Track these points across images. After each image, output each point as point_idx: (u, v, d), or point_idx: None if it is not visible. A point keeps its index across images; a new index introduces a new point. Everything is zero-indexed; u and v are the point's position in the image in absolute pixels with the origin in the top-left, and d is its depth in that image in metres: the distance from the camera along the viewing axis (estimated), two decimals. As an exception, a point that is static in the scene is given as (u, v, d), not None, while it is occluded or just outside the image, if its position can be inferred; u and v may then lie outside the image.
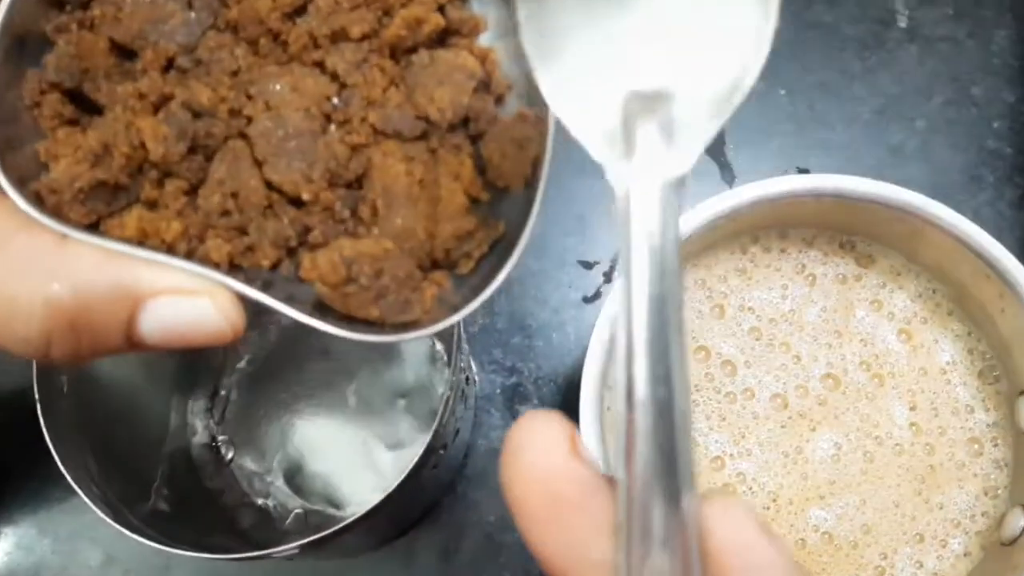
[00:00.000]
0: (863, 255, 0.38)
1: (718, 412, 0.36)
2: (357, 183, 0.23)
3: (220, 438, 0.42)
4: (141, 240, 0.21)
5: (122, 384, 0.36)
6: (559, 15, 0.19)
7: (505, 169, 0.23)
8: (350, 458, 0.40)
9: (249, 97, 0.23)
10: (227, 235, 0.22)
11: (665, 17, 0.18)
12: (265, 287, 0.22)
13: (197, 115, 0.22)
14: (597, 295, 0.44)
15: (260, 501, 0.41)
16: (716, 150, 0.46)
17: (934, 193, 0.34)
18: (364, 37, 0.23)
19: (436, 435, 0.29)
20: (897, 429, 0.36)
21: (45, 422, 0.30)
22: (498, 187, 0.23)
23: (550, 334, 0.44)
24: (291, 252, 0.22)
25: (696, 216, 0.34)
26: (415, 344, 0.42)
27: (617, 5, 0.18)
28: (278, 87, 0.23)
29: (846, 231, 0.38)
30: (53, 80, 0.22)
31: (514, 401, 0.43)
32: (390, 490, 0.28)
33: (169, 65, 0.23)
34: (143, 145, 0.22)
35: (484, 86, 0.23)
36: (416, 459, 0.28)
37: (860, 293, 0.38)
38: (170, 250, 0.21)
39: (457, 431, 0.34)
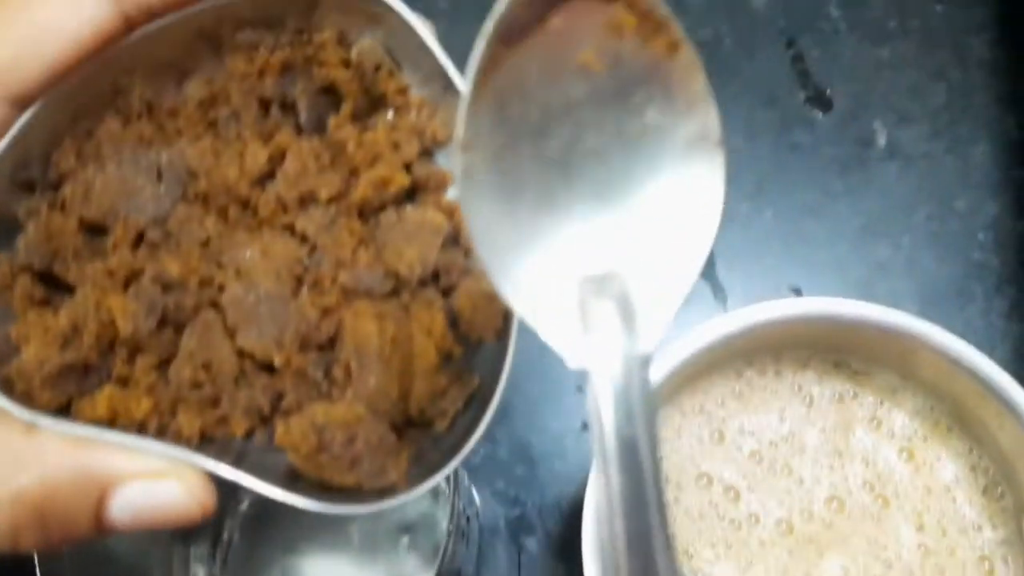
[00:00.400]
0: (859, 374, 0.38)
1: (724, 540, 0.36)
2: (329, 345, 0.23)
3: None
4: (112, 419, 0.21)
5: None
6: (505, 200, 0.19)
7: (477, 322, 0.23)
8: (354, 599, 0.40)
9: (220, 266, 0.23)
10: (198, 408, 0.22)
11: (611, 205, 0.19)
12: (238, 458, 0.22)
13: (168, 288, 0.23)
14: (597, 421, 0.45)
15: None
16: (708, 271, 0.47)
17: (924, 306, 0.35)
18: (332, 199, 0.23)
19: (442, 570, 0.29)
20: (906, 551, 0.36)
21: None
22: (471, 340, 0.23)
23: (552, 462, 0.44)
24: (264, 420, 0.22)
25: (690, 343, 0.35)
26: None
27: (563, 200, 0.19)
28: (248, 254, 0.23)
29: (840, 351, 0.38)
30: (23, 263, 0.22)
31: (519, 533, 0.42)
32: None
33: (140, 239, 0.23)
34: (113, 323, 0.22)
35: (453, 240, 0.23)
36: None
37: (858, 412, 0.38)
38: (141, 428, 0.21)
39: (458, 571, 0.34)
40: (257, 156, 0.24)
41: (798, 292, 0.47)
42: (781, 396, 0.38)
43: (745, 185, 0.49)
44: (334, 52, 0.24)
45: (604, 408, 0.16)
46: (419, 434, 0.23)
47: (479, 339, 0.23)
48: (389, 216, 0.24)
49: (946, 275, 0.47)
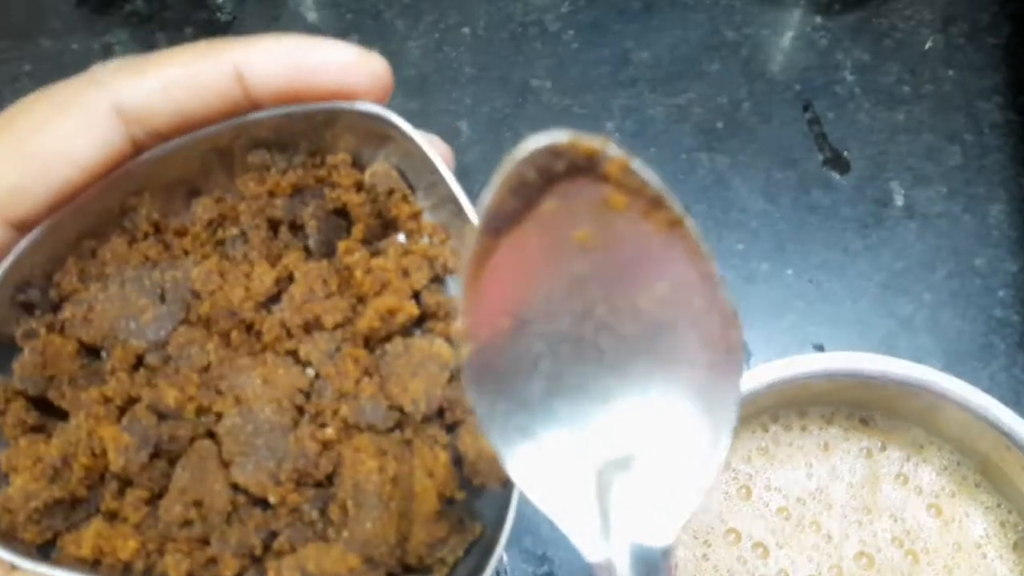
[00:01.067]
0: (884, 430, 0.39)
1: (753, 597, 0.36)
2: (328, 481, 0.22)
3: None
4: (97, 559, 0.21)
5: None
6: (514, 386, 0.17)
7: (481, 467, 0.22)
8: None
9: (219, 392, 0.22)
10: (188, 547, 0.21)
11: (628, 384, 0.18)
12: None
13: (163, 417, 0.22)
14: (624, 478, 0.45)
15: None
16: (731, 330, 0.48)
17: (948, 362, 0.35)
18: (338, 326, 0.23)
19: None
20: (938, 608, 0.36)
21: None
22: (474, 484, 0.22)
23: (579, 519, 0.44)
24: (255, 560, 0.21)
25: (716, 400, 0.35)
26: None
27: (576, 380, 0.18)
28: (249, 380, 0.22)
29: (864, 407, 0.38)
30: (18, 388, 0.22)
31: (547, 591, 0.42)
32: None
33: (138, 363, 0.22)
34: (104, 454, 0.21)
35: (459, 374, 0.22)
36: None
37: (885, 467, 0.38)
38: (126, 569, 0.21)
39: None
40: (264, 278, 0.23)
41: (821, 349, 0.47)
42: (807, 452, 0.38)
43: (765, 245, 0.50)
44: (347, 174, 0.24)
45: None
46: None
47: (483, 484, 0.22)
48: (396, 346, 0.23)
49: (968, 331, 0.47)
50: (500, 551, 0.21)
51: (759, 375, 0.36)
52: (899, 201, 0.51)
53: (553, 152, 0.16)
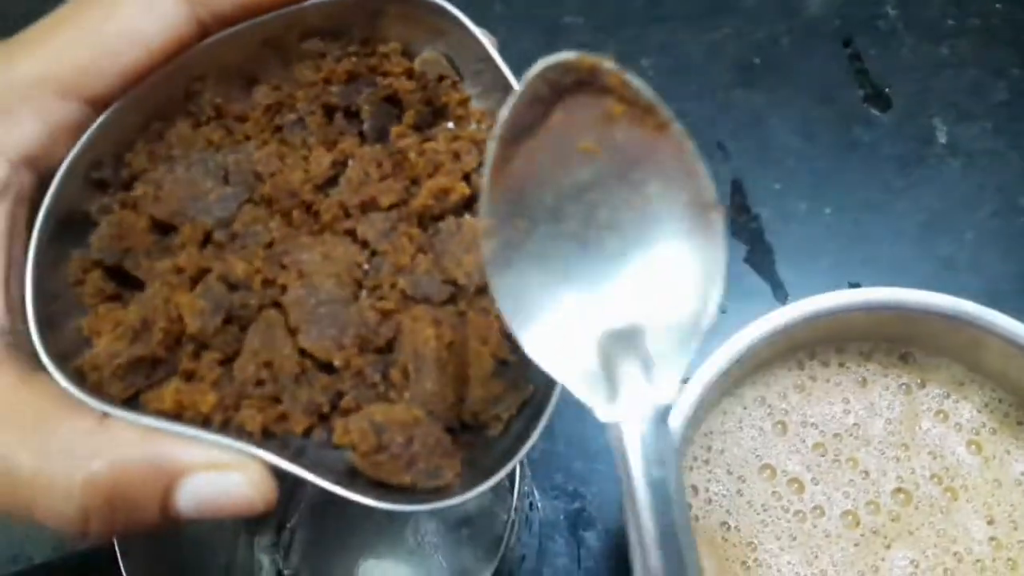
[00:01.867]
0: (923, 366, 0.38)
1: (788, 531, 0.36)
2: (388, 348, 0.23)
3: (286, 573, 0.42)
4: (178, 413, 0.22)
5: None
6: (529, 275, 0.20)
7: None
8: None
9: (283, 267, 0.24)
10: (261, 404, 0.22)
11: (625, 270, 0.21)
12: (297, 454, 0.22)
13: (233, 287, 0.23)
14: (656, 416, 0.45)
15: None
16: (767, 269, 0.47)
17: (989, 302, 0.34)
18: (393, 206, 0.24)
19: (503, 561, 0.29)
20: (976, 544, 0.35)
21: (124, 563, 0.31)
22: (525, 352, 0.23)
23: (610, 457, 0.43)
24: (323, 418, 0.23)
25: (751, 333, 0.35)
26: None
27: (580, 262, 0.21)
28: (310, 256, 0.24)
29: (904, 343, 0.38)
30: (96, 259, 0.23)
31: (578, 527, 0.42)
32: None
33: (207, 239, 0.24)
34: (181, 319, 0.22)
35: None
36: (485, 585, 0.28)
37: (924, 404, 0.37)
38: (206, 421, 0.22)
39: (523, 557, 0.34)
40: (321, 162, 0.24)
41: (859, 289, 0.46)
42: (845, 387, 0.38)
43: (803, 183, 0.49)
44: (398, 63, 0.25)
45: (633, 456, 0.18)
46: (473, 438, 0.23)
47: None
48: (449, 224, 0.24)
49: (1011, 272, 0.46)
50: (551, 410, 0.22)
51: (796, 308, 0.35)
52: (942, 138, 0.50)
53: (562, 68, 0.20)
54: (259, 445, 0.22)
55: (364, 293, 0.23)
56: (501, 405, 0.23)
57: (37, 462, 0.20)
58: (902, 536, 0.35)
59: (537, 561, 0.41)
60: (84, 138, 0.22)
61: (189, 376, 0.23)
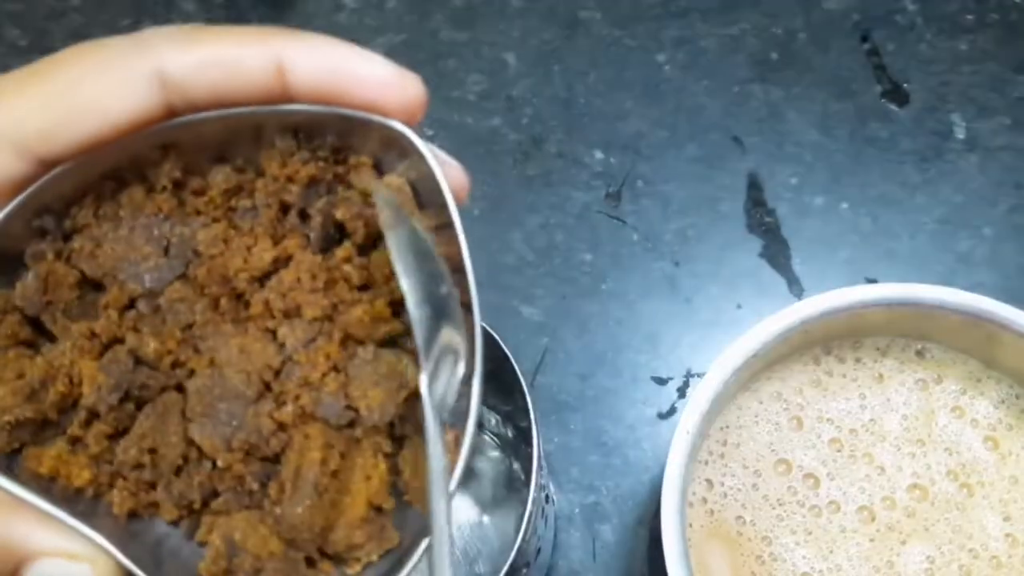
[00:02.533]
0: (940, 362, 0.38)
1: (804, 526, 0.36)
2: (275, 458, 0.23)
3: None
4: (52, 479, 0.22)
5: None
6: None
7: (414, 487, 0.23)
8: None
9: (197, 351, 0.24)
10: (135, 488, 0.23)
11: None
12: (159, 542, 0.23)
13: (140, 362, 0.23)
14: (672, 411, 0.45)
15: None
16: (783, 264, 0.47)
17: (1007, 298, 0.34)
18: (315, 320, 0.24)
19: (519, 553, 0.29)
20: (992, 541, 0.35)
21: None
22: (403, 499, 0.24)
23: (627, 451, 0.44)
24: (193, 511, 0.23)
25: (767, 328, 0.35)
26: (491, 464, 0.43)
27: None
28: (227, 347, 0.23)
29: (921, 338, 0.38)
30: (16, 305, 0.23)
31: (594, 520, 0.43)
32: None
33: (130, 305, 0.24)
34: (80, 385, 0.23)
35: (417, 396, 0.23)
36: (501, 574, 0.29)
37: (941, 400, 0.37)
38: (77, 493, 0.22)
39: (538, 550, 0.34)
40: (263, 255, 0.24)
41: (876, 284, 0.46)
42: (861, 383, 0.38)
43: (820, 178, 0.49)
44: (365, 177, 0.24)
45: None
46: (332, 568, 0.24)
47: (411, 502, 0.24)
48: (367, 352, 0.24)
49: (1030, 267, 0.46)
50: (412, 564, 0.22)
51: (812, 304, 0.35)
52: (960, 134, 0.50)
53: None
54: (124, 524, 0.22)
55: (269, 396, 0.23)
56: (363, 550, 0.23)
57: None
58: (917, 532, 0.35)
59: (552, 554, 0.42)
60: (33, 186, 0.22)
61: (74, 442, 0.23)
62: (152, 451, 0.23)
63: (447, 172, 0.22)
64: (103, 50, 0.21)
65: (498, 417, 0.43)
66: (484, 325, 0.32)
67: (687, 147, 0.50)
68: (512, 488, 0.43)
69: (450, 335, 0.22)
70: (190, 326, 0.23)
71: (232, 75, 0.20)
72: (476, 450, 0.43)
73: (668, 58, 0.52)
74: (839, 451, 0.37)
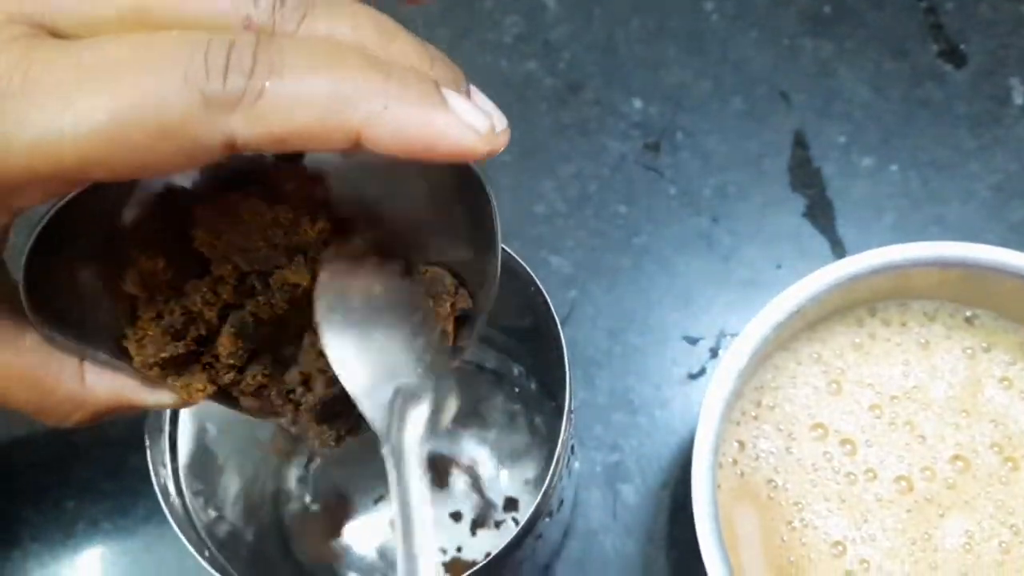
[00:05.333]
0: (990, 330, 0.36)
1: (838, 494, 0.34)
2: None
3: (313, 508, 0.42)
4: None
5: (228, 446, 0.36)
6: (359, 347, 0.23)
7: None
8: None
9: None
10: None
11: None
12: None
13: (258, 322, 0.25)
14: (702, 372, 0.43)
15: (351, 575, 0.40)
16: (827, 225, 0.45)
17: (1064, 270, 0.32)
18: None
19: (545, 497, 0.28)
20: (1036, 518, 0.33)
21: (158, 483, 0.30)
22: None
23: (654, 411, 0.42)
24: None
25: (811, 284, 0.33)
26: (510, 417, 0.42)
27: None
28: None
29: (970, 304, 0.36)
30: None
31: (616, 480, 0.41)
32: (493, 556, 0.27)
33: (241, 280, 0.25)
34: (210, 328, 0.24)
35: None
36: (523, 523, 0.27)
37: (988, 369, 0.35)
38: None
39: (561, 502, 0.33)
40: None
41: (922, 250, 0.44)
42: (906, 348, 0.36)
43: (870, 138, 0.47)
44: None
45: (409, 468, 0.22)
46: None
47: None
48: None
49: (1087, 240, 0.44)
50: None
51: (859, 260, 0.33)
52: (1018, 99, 0.47)
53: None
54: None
55: None
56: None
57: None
58: (957, 505, 0.34)
59: (572, 512, 0.40)
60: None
61: (207, 368, 0.25)
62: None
63: (493, 123, 0.20)
64: (168, 94, 0.18)
65: (522, 368, 0.42)
66: (532, 275, 0.31)
67: (731, 100, 0.48)
68: (533, 443, 0.41)
69: (407, 388, 0.23)
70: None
71: (305, 147, 0.19)
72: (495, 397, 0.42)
73: (715, 7, 0.50)
74: (879, 418, 0.35)
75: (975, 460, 0.34)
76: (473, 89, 0.21)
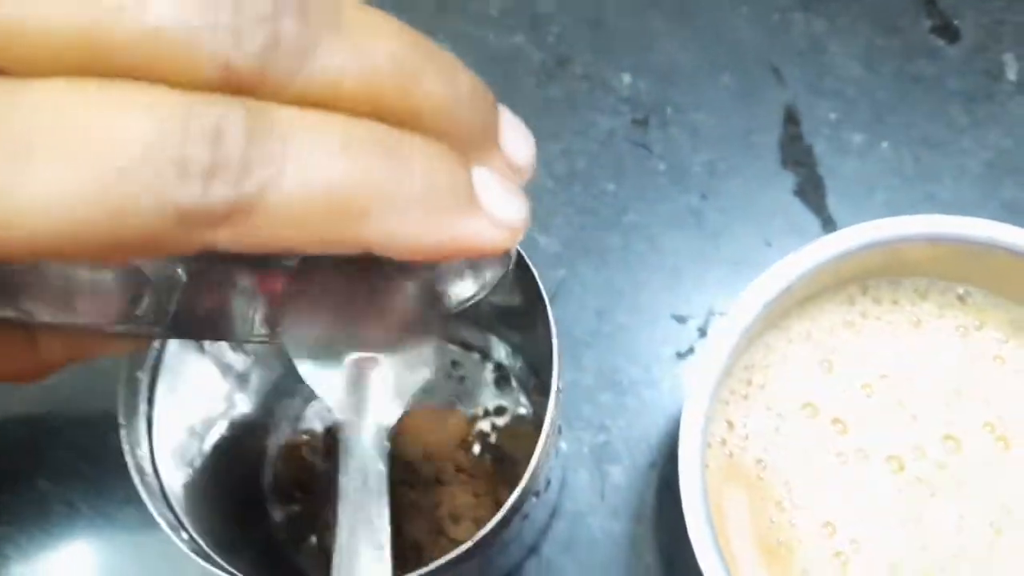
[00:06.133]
0: (982, 308, 0.35)
1: (828, 474, 0.34)
2: None
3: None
4: None
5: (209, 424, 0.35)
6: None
7: None
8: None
9: None
10: None
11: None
12: None
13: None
14: (691, 351, 0.42)
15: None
16: (817, 203, 0.44)
17: (1057, 248, 0.32)
18: None
19: (532, 476, 0.27)
20: (1028, 498, 0.33)
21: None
22: None
23: (641, 391, 0.42)
24: None
25: (801, 260, 0.33)
26: (495, 395, 0.41)
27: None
28: None
29: (965, 281, 0.35)
30: None
31: (603, 460, 0.41)
32: (480, 535, 0.26)
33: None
34: None
35: None
36: (511, 501, 0.27)
37: (981, 348, 0.35)
38: None
39: (548, 482, 0.32)
40: None
41: (914, 228, 0.44)
42: (897, 327, 0.35)
43: (861, 115, 0.46)
44: None
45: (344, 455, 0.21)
46: None
47: None
48: None
49: (1080, 218, 0.43)
50: None
51: (851, 235, 0.33)
52: (1011, 75, 0.47)
53: None
54: None
55: None
56: None
57: None
58: (948, 486, 0.33)
59: (559, 493, 0.40)
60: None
61: None
62: None
63: (519, 144, 0.18)
64: (130, 198, 0.14)
65: (508, 349, 0.41)
66: (521, 251, 0.30)
67: (721, 76, 0.47)
68: (521, 423, 0.41)
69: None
70: None
71: (310, 249, 0.15)
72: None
73: (705, -20, 0.49)
74: (869, 397, 0.35)
75: (967, 440, 0.34)
76: (506, 117, 0.18)
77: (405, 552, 0.36)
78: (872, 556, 0.32)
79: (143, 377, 0.30)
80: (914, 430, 0.34)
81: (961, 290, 0.36)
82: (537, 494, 0.30)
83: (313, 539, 0.39)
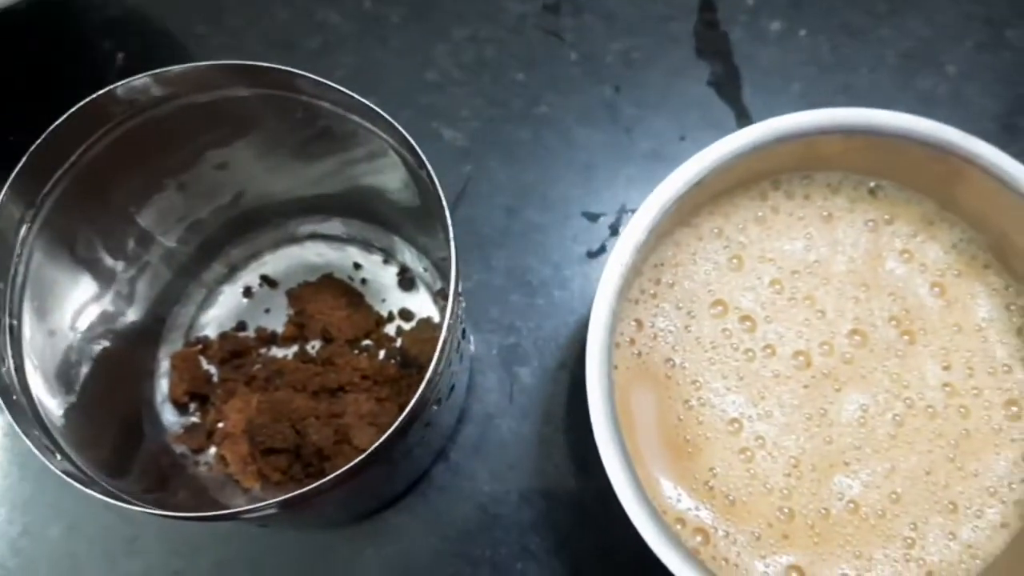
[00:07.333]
0: (893, 201, 0.35)
1: (736, 371, 0.33)
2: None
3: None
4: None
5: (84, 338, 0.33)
6: None
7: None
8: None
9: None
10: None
11: None
12: None
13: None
14: (602, 249, 0.41)
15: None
16: (732, 94, 0.43)
17: (968, 139, 0.31)
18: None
19: (429, 384, 0.26)
20: (929, 390, 0.33)
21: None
22: None
23: (552, 291, 0.41)
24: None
25: (713, 153, 0.31)
26: (405, 296, 0.39)
27: None
28: None
29: (876, 174, 0.34)
30: None
31: (512, 362, 0.40)
32: (378, 444, 0.25)
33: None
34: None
35: None
36: (407, 410, 0.25)
37: (890, 242, 0.34)
38: None
39: (452, 387, 0.31)
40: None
41: (829, 120, 0.43)
42: (808, 222, 0.35)
43: (779, 2, 0.44)
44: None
45: None
46: None
47: None
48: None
49: (993, 109, 0.43)
50: None
51: (763, 128, 0.32)
52: (933, -39, 0.45)
53: None
54: None
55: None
56: None
57: None
58: (854, 379, 0.33)
59: (467, 397, 0.39)
60: None
61: None
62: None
63: None
64: None
65: (413, 250, 0.39)
66: (416, 147, 0.28)
67: (636, -42, 0.45)
68: (424, 328, 0.39)
69: None
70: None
71: None
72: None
73: None
74: (779, 293, 0.34)
75: (873, 334, 0.34)
76: None
77: (310, 461, 0.35)
78: (776, 451, 0.32)
79: (2, 287, 0.28)
80: (822, 326, 0.34)
81: (873, 184, 0.35)
82: (439, 402, 0.29)
83: (212, 449, 0.37)
